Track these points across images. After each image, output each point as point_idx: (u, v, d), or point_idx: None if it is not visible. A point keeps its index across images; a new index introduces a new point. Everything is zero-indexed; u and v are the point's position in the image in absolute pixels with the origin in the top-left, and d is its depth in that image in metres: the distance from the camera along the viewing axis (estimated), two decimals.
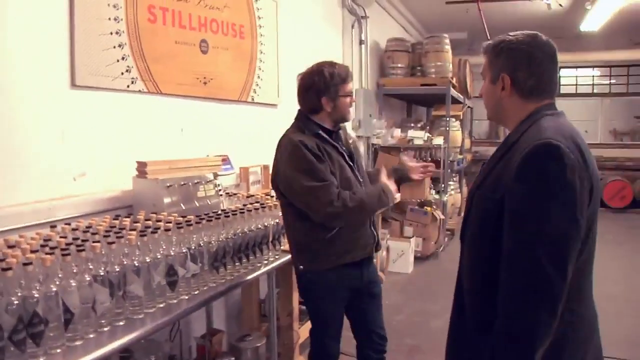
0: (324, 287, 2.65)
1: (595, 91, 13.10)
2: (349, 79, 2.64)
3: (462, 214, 1.79)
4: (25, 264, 1.63)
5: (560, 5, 8.36)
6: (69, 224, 2.31)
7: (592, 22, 9.18)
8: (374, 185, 2.68)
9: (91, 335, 1.82)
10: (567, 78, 13.06)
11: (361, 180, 2.68)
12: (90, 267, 1.85)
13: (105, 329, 1.89)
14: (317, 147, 2.52)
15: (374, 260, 2.87)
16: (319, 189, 2.43)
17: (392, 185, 2.68)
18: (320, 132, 2.60)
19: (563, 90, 13.01)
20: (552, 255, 1.37)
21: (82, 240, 1.94)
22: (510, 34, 1.64)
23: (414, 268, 6.46)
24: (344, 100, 2.63)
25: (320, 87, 2.58)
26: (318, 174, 2.45)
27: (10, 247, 1.89)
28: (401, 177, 2.84)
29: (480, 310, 1.60)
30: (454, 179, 8.67)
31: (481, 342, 1.55)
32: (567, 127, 1.53)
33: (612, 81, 12.93)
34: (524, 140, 1.50)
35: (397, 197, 2.67)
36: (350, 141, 2.82)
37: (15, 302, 1.58)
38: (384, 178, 2.70)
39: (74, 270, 1.79)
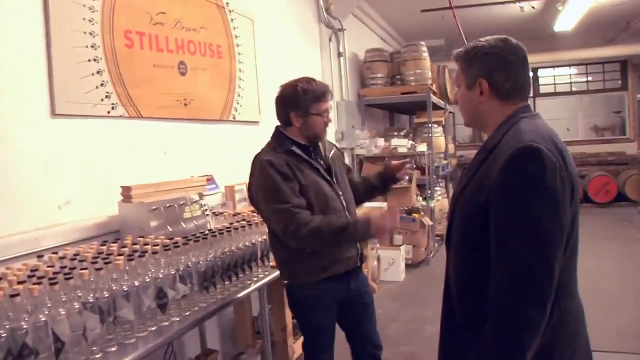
0: (309, 299, 2.66)
1: (573, 89, 13.26)
2: (324, 98, 2.61)
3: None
4: (12, 296, 1.63)
5: (533, 7, 8.49)
6: (56, 253, 2.30)
7: (565, 22, 9.31)
8: (357, 218, 2.64)
9: None
10: (545, 78, 13.21)
11: (340, 193, 2.67)
12: (79, 294, 1.85)
13: (97, 355, 1.88)
14: (287, 164, 2.52)
15: (364, 270, 2.86)
16: (277, 212, 2.45)
17: (385, 221, 2.49)
18: (294, 148, 2.59)
19: (542, 90, 13.18)
20: (538, 255, 1.40)
21: (70, 268, 1.94)
22: (481, 39, 1.66)
23: (405, 276, 6.47)
24: (317, 119, 2.60)
25: (290, 101, 2.59)
26: (280, 194, 2.46)
27: None
28: (385, 180, 2.92)
29: (470, 313, 1.61)
30: (440, 184, 8.72)
31: (472, 343, 1.57)
32: (545, 129, 1.56)
33: (589, 78, 13.09)
34: (504, 144, 1.53)
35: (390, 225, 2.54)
36: (331, 153, 2.77)
37: (4, 334, 1.57)
38: (374, 215, 2.57)
39: (63, 299, 1.78)
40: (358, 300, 2.78)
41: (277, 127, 2.70)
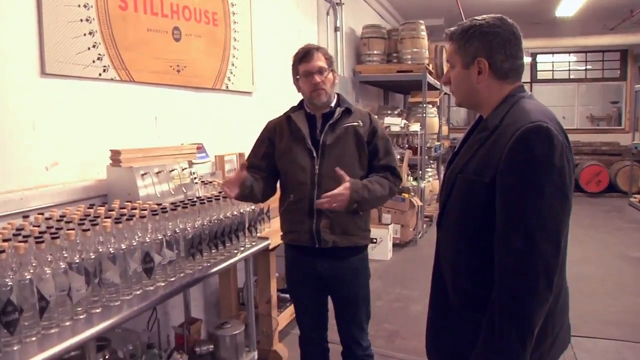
0: (286, 261, 2.77)
1: (571, 77, 13.30)
2: (307, 58, 2.57)
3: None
4: None
5: None
6: (42, 214, 2.31)
7: (567, 7, 9.32)
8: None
9: (67, 323, 1.84)
10: (544, 64, 13.23)
11: (317, 167, 2.55)
12: (65, 255, 1.86)
13: (82, 316, 1.90)
14: (275, 127, 2.70)
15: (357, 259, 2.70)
16: None
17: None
18: (293, 114, 2.65)
19: (540, 75, 13.20)
20: (546, 232, 1.43)
21: (57, 229, 1.94)
22: (477, 18, 1.65)
23: (392, 255, 6.55)
24: (303, 81, 2.59)
25: (292, 67, 2.66)
26: (249, 154, 2.76)
27: None
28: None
29: (469, 291, 1.64)
30: (432, 165, 8.76)
31: (471, 320, 1.61)
32: (547, 109, 1.59)
33: (588, 67, 13.13)
34: (508, 123, 1.54)
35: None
36: (344, 125, 2.59)
37: None
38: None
39: (49, 259, 1.79)
40: (334, 290, 2.74)
41: None
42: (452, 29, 1.71)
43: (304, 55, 2.58)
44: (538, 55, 12.98)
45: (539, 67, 13.17)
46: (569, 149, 1.50)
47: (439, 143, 8.64)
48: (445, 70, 8.43)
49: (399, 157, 6.92)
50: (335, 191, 2.34)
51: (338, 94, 2.71)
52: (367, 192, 2.46)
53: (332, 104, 2.65)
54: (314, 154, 2.57)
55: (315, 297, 2.77)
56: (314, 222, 2.56)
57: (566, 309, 1.66)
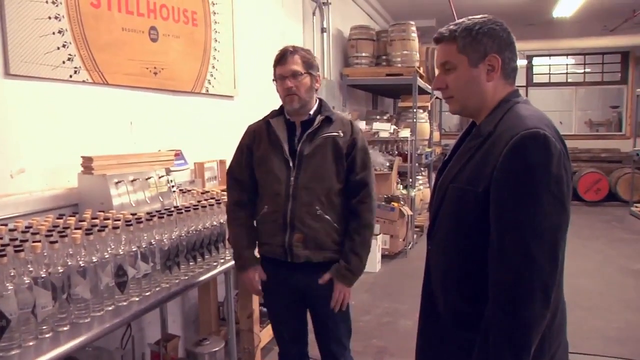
0: (264, 274, 2.73)
1: (569, 80, 13.39)
2: (281, 61, 2.56)
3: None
4: None
5: None
6: (6, 225, 2.27)
7: (565, 7, 9.38)
8: (247, 255, 2.67)
9: (30, 343, 1.79)
10: (540, 67, 13.32)
11: (292, 179, 2.53)
12: (30, 269, 1.82)
13: (47, 335, 1.86)
14: (255, 133, 2.67)
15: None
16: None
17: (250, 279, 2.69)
18: (271, 119, 2.62)
19: (536, 79, 13.29)
20: (542, 245, 1.42)
21: (21, 241, 1.91)
22: (474, 17, 1.65)
23: (381, 267, 6.55)
24: (278, 84, 2.59)
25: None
26: (233, 160, 2.74)
27: None
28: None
29: (461, 308, 1.63)
30: (423, 173, 8.77)
31: (463, 339, 1.60)
32: (544, 115, 1.58)
33: (587, 70, 13.24)
34: (503, 129, 1.54)
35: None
36: (323, 134, 2.57)
37: None
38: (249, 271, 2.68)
39: (12, 273, 1.76)
40: (312, 304, 2.72)
41: None
42: (448, 28, 1.67)
43: (280, 58, 2.57)
44: (534, 58, 13.08)
45: (535, 70, 13.27)
46: (567, 157, 1.50)
47: (430, 150, 8.66)
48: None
49: (388, 164, 6.93)
50: (334, 297, 2.56)
51: (320, 100, 2.69)
52: (356, 260, 2.56)
53: (312, 111, 2.63)
54: (291, 164, 2.55)
55: (292, 310, 2.75)
56: (287, 236, 2.54)
57: (564, 326, 1.65)
